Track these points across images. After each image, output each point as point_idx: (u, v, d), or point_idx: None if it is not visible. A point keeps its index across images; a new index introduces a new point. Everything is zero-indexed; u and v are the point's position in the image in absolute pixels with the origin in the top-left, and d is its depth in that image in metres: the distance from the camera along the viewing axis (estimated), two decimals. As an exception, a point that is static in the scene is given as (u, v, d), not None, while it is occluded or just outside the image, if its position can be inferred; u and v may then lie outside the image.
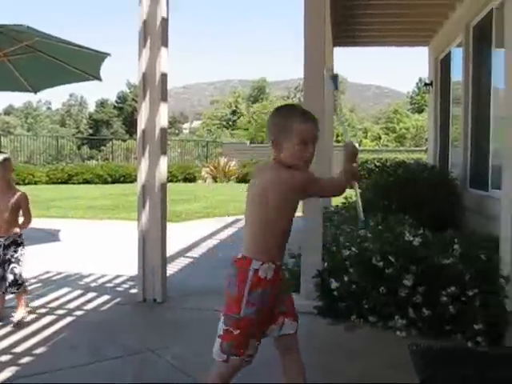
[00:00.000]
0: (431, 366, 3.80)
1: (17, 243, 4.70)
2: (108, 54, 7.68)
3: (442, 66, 10.53)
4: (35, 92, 8.75)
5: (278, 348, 2.80)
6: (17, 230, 4.67)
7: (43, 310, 5.04)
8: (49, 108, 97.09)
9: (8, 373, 3.63)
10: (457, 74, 9.11)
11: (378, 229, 5.24)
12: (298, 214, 3.05)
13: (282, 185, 2.60)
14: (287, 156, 2.65)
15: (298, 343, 2.80)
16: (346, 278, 4.68)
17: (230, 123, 64.91)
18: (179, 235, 8.90)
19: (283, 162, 2.65)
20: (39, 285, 5.97)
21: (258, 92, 74.54)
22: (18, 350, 4.07)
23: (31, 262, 7.07)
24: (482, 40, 7.56)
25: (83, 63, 7.92)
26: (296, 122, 2.65)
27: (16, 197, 4.69)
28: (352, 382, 3.56)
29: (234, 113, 66.82)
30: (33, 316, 4.85)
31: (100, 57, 7.72)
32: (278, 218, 2.64)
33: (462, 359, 3.98)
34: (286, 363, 2.80)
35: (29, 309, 4.86)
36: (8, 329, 4.52)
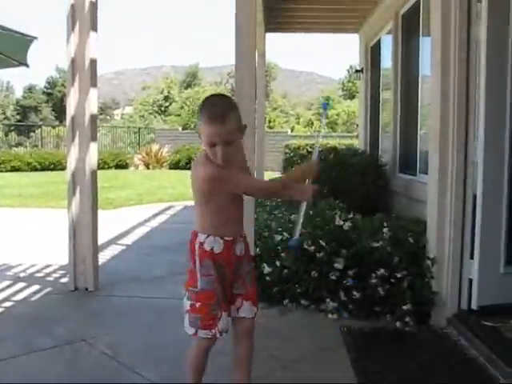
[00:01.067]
0: (362, 347, 3.90)
1: None
2: (35, 38, 7.43)
3: (373, 53, 10.69)
4: None
5: (235, 330, 2.82)
6: None
7: (-31, 302, 4.90)
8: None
9: None
10: (386, 60, 9.28)
11: (309, 214, 5.31)
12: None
13: (198, 182, 2.63)
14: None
15: (254, 331, 2.85)
16: (277, 263, 4.74)
17: (163, 109, 64.14)
18: (111, 222, 8.77)
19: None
20: (-35, 276, 5.78)
21: (191, 78, 73.94)
22: None
23: (-44, 253, 6.86)
24: (410, 28, 7.72)
25: (9, 48, 7.63)
26: (201, 122, 2.55)
27: None
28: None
29: (166, 98, 66.06)
30: (-42, 308, 4.71)
31: (26, 40, 7.46)
32: (212, 202, 2.66)
33: (390, 339, 4.10)
34: (238, 348, 2.85)
35: None
36: None
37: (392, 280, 4.41)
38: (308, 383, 3.37)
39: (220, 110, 2.54)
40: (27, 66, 7.90)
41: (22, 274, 5.89)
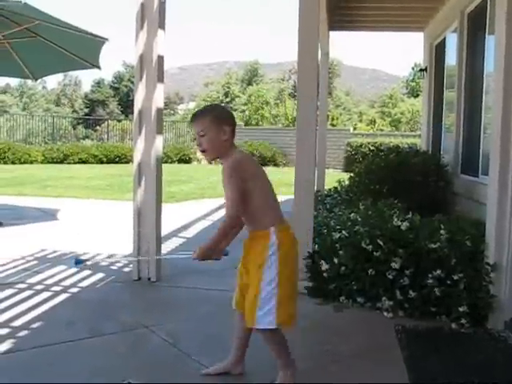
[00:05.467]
0: (416, 346, 3.93)
1: None
2: (106, 39, 7.71)
3: (437, 52, 10.57)
4: (35, 79, 8.77)
5: None
6: None
7: (39, 287, 5.15)
8: (44, 87, 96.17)
9: (6, 345, 3.74)
10: (451, 59, 9.17)
11: (367, 213, 5.35)
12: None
13: None
14: None
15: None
16: (335, 260, 4.79)
17: (224, 105, 64.23)
18: (173, 215, 8.98)
19: None
20: (35, 262, 6.07)
21: (251, 74, 73.93)
22: (16, 324, 4.18)
23: (27, 241, 7.19)
24: (476, 26, 7.61)
25: (83, 50, 7.93)
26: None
27: None
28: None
29: (226, 94, 66.25)
30: (29, 292, 4.96)
31: (98, 42, 7.75)
32: None
33: (445, 339, 4.11)
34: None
35: None
36: (5, 303, 4.63)
37: (448, 281, 4.40)
38: (359, 381, 3.42)
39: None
40: (99, 68, 8.20)
41: (87, 262, 6.11)
